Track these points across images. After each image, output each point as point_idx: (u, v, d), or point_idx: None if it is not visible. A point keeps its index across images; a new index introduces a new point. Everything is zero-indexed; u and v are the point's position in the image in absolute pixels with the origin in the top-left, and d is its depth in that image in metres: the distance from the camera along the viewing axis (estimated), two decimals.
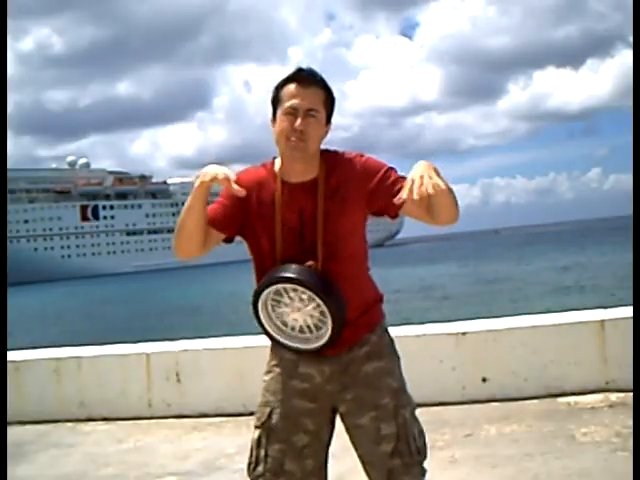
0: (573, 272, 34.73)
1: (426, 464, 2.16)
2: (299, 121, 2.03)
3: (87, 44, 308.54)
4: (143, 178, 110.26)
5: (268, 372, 2.23)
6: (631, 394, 4.26)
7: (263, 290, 2.08)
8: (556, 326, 4.96)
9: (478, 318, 5.66)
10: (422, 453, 2.15)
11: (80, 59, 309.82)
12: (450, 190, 1.96)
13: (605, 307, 5.23)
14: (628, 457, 3.27)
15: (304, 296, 2.05)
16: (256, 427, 2.19)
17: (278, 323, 2.12)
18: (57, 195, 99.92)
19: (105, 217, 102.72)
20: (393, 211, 2.08)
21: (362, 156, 2.14)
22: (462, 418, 4.54)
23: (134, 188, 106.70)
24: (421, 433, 2.17)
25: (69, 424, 5.37)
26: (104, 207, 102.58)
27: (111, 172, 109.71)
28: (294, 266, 2.06)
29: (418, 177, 1.90)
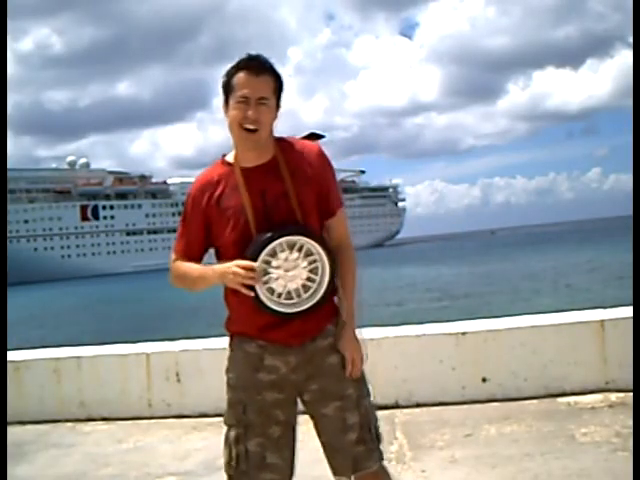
0: (539, 275, 35.30)
1: (381, 447, 2.30)
2: (251, 110, 2.10)
3: (87, 44, 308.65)
4: (143, 178, 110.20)
5: (231, 369, 2.26)
6: (631, 394, 4.26)
7: (259, 252, 2.08)
8: (556, 326, 4.96)
9: (478, 318, 5.67)
10: (380, 438, 2.29)
11: (80, 59, 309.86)
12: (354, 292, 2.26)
13: (605, 307, 5.23)
14: (628, 457, 3.27)
15: (297, 254, 2.10)
16: (231, 425, 2.22)
17: (265, 290, 2.11)
18: (57, 195, 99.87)
19: (105, 217, 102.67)
20: (325, 218, 2.23)
21: (320, 148, 2.26)
22: (462, 418, 4.54)
23: (134, 188, 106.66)
24: (376, 420, 2.30)
25: (69, 424, 5.37)
26: (104, 207, 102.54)
27: (111, 172, 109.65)
28: (282, 223, 2.12)
29: (352, 362, 2.21)
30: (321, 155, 2.24)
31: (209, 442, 4.61)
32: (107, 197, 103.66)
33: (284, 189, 2.14)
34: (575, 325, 4.91)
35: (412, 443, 4.10)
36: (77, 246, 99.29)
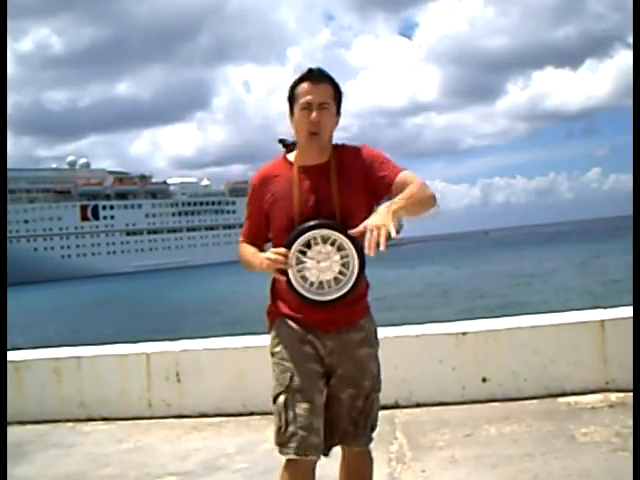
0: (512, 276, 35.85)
1: (372, 445, 2.48)
2: (314, 114, 2.33)
3: (86, 44, 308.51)
4: (143, 178, 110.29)
5: (278, 343, 2.43)
6: (631, 394, 4.27)
7: (296, 239, 2.28)
8: (556, 326, 4.96)
9: (478, 318, 5.67)
10: (373, 430, 2.47)
11: (79, 59, 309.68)
12: (412, 204, 2.27)
13: (605, 307, 5.23)
14: (628, 457, 3.27)
15: (330, 248, 2.28)
16: (279, 393, 2.36)
17: (298, 277, 2.30)
18: (57, 195, 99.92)
19: (105, 217, 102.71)
20: (385, 192, 2.35)
21: (366, 148, 2.45)
22: (462, 418, 4.54)
23: (134, 188, 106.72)
24: (377, 418, 2.49)
25: (69, 424, 5.37)
26: (104, 207, 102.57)
27: (111, 172, 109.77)
28: (321, 218, 2.31)
29: (373, 229, 2.13)
30: (361, 151, 2.42)
31: (209, 442, 4.61)
32: (107, 197, 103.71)
33: (330, 190, 2.36)
34: (575, 325, 4.91)
35: (412, 443, 4.11)
36: (77, 246, 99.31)
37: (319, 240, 2.29)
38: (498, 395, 4.83)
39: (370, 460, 2.53)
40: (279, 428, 2.34)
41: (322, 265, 2.30)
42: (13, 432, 5.04)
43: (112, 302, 41.52)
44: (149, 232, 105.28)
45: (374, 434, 2.50)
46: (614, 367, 4.72)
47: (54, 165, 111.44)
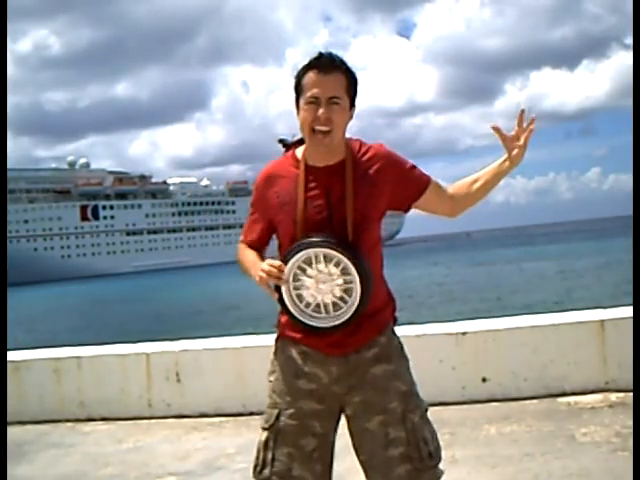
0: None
1: (442, 465, 2.12)
2: (322, 110, 2.00)
3: (85, 45, 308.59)
4: (143, 178, 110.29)
5: (273, 372, 2.19)
6: (631, 394, 4.27)
7: (295, 254, 2.01)
8: (556, 326, 4.96)
9: (478, 318, 5.67)
10: (435, 457, 2.12)
11: (78, 60, 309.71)
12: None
13: (605, 307, 5.23)
14: (628, 457, 3.28)
15: (334, 269, 2.00)
16: (263, 429, 2.14)
17: (294, 296, 2.05)
18: (57, 195, 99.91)
19: (105, 217, 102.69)
20: (413, 201, 2.16)
21: (385, 147, 2.17)
22: (462, 418, 4.54)
23: (134, 188, 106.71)
24: (433, 435, 2.13)
25: (69, 424, 5.37)
26: (104, 207, 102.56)
27: (111, 172, 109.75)
28: (328, 233, 2.02)
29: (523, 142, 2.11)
30: (385, 151, 2.15)
31: (209, 442, 4.61)
32: (107, 197, 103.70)
33: (344, 191, 2.05)
34: (575, 325, 4.91)
35: None
36: (77, 246, 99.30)
37: (321, 259, 2.00)
38: (498, 395, 4.83)
39: None
40: (255, 466, 2.12)
41: (322, 287, 2.01)
42: (13, 432, 5.04)
43: (112, 302, 41.50)
44: (149, 232, 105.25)
45: (441, 460, 2.16)
46: (614, 367, 4.72)
47: (54, 165, 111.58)
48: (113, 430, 5.12)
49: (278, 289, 2.05)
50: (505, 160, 2.14)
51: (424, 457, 2.08)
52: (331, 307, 2.03)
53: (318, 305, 2.04)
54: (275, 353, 2.21)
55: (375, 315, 2.11)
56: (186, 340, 5.69)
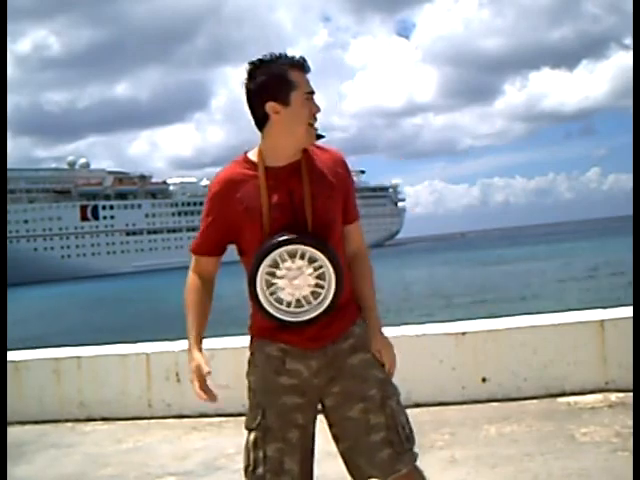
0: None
1: (416, 449, 2.19)
2: (317, 106, 2.11)
3: (84, 46, 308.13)
4: (143, 178, 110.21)
5: (251, 372, 2.24)
6: (631, 394, 4.26)
7: (260, 264, 2.06)
8: (556, 326, 4.96)
9: (478, 318, 5.67)
10: (411, 440, 2.18)
11: (78, 61, 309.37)
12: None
13: (605, 307, 5.23)
14: (628, 457, 3.28)
15: (300, 262, 2.05)
16: (250, 429, 2.18)
17: (272, 301, 2.09)
18: (57, 195, 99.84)
19: (105, 217, 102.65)
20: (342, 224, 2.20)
21: (343, 156, 2.22)
22: (462, 418, 4.54)
23: (134, 188, 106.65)
24: (407, 421, 2.20)
25: (69, 424, 5.37)
26: (104, 207, 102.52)
27: (111, 172, 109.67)
28: (286, 232, 2.06)
29: (389, 359, 2.21)
30: (345, 164, 2.22)
31: (209, 442, 4.61)
32: (107, 197, 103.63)
33: (303, 193, 2.10)
34: (575, 325, 4.91)
35: None
36: (77, 246, 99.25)
37: (286, 257, 2.05)
38: (498, 395, 4.83)
39: (423, 478, 2.20)
40: (247, 467, 2.15)
41: (295, 282, 2.06)
42: (13, 432, 5.04)
43: (112, 302, 41.49)
44: (149, 232, 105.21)
45: (416, 446, 2.19)
46: (614, 367, 4.72)
47: (54, 165, 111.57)
48: (113, 430, 5.12)
49: (255, 299, 2.09)
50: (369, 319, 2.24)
51: (403, 441, 2.15)
52: (311, 297, 2.09)
53: (298, 300, 2.09)
54: (252, 354, 2.25)
55: (346, 307, 2.17)
56: (186, 340, 5.67)
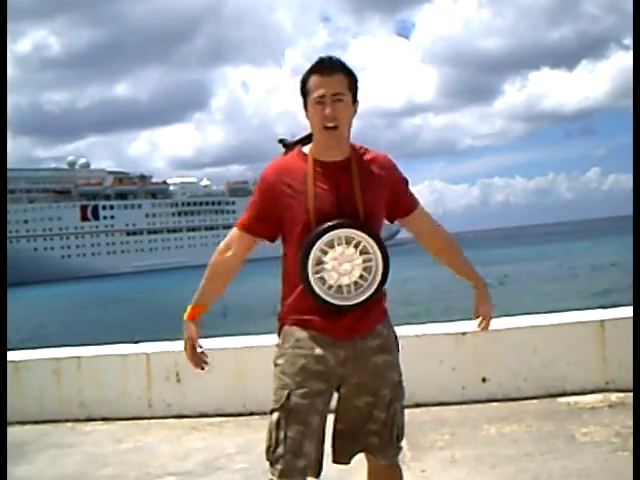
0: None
1: (400, 456, 2.35)
2: (328, 109, 2.18)
3: (84, 46, 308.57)
4: (143, 178, 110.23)
5: (282, 355, 2.29)
6: (631, 394, 4.26)
7: (319, 238, 2.14)
8: (556, 326, 4.96)
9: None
10: (400, 440, 2.35)
11: (77, 61, 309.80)
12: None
13: (605, 307, 5.23)
14: (628, 457, 3.28)
15: (352, 250, 2.15)
16: (274, 410, 2.24)
17: (316, 279, 2.16)
18: (57, 195, 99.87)
19: (105, 217, 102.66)
20: (399, 215, 2.36)
21: (391, 158, 2.35)
22: (462, 418, 4.54)
23: (134, 188, 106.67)
24: (403, 427, 2.37)
25: (69, 424, 5.36)
26: (104, 207, 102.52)
27: (111, 172, 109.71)
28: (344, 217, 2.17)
29: (488, 317, 2.41)
30: (391, 161, 2.34)
31: (209, 442, 4.61)
32: (107, 197, 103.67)
33: (352, 188, 2.21)
34: (575, 325, 4.91)
35: (412, 443, 4.09)
36: (77, 246, 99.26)
37: (342, 241, 2.16)
38: (498, 395, 4.83)
39: (400, 474, 2.39)
40: (269, 447, 2.24)
41: (343, 268, 2.17)
42: (13, 432, 5.04)
43: (112, 302, 41.48)
44: (149, 232, 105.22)
45: (402, 445, 2.38)
46: (614, 367, 4.72)
47: (54, 165, 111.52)
48: (113, 430, 5.12)
49: (306, 274, 2.16)
50: (475, 286, 2.44)
51: (393, 438, 2.32)
52: (353, 287, 2.18)
53: (340, 287, 2.18)
54: (283, 338, 2.31)
55: (380, 301, 2.30)
56: None
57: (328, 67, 2.20)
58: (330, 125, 2.18)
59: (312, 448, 2.21)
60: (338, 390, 2.29)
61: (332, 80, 2.19)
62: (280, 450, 2.20)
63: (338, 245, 2.14)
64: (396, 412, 2.31)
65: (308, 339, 2.24)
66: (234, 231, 2.36)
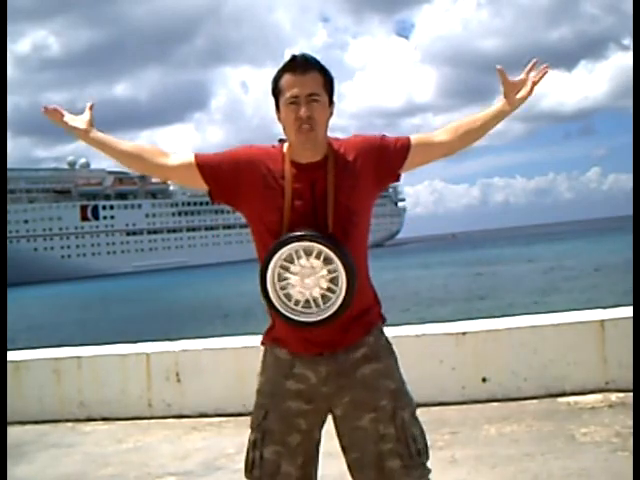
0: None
1: (429, 464, 2.13)
2: (303, 109, 2.03)
3: (84, 46, 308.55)
4: (143, 178, 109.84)
5: (262, 373, 2.21)
6: (631, 394, 4.27)
7: (275, 253, 2.01)
8: (556, 326, 4.96)
9: (478, 318, 5.67)
10: (423, 454, 2.11)
11: (77, 61, 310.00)
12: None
13: (605, 307, 5.23)
14: (628, 457, 3.28)
15: (316, 262, 2.00)
16: (252, 429, 2.17)
17: (281, 296, 2.04)
18: (57, 195, 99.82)
19: (105, 217, 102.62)
20: (399, 169, 2.18)
21: (357, 135, 2.20)
22: (462, 418, 4.54)
23: (134, 188, 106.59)
24: (422, 434, 2.13)
25: (69, 424, 5.37)
26: (104, 207, 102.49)
27: (111, 172, 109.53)
28: (306, 228, 2.02)
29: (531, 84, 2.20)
30: (359, 137, 2.19)
31: (209, 442, 4.61)
32: (107, 197, 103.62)
33: (327, 187, 2.06)
34: (575, 325, 4.91)
35: None
36: (77, 246, 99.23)
37: (302, 254, 2.00)
38: (498, 395, 4.83)
39: None
40: (246, 466, 2.15)
41: (307, 281, 2.01)
42: (13, 432, 5.04)
43: (112, 302, 41.49)
44: (149, 232, 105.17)
45: (429, 458, 2.12)
46: (614, 367, 4.72)
47: (54, 165, 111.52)
48: (113, 430, 5.12)
49: (265, 292, 2.04)
50: (505, 103, 2.22)
51: (413, 454, 2.07)
52: (320, 300, 2.03)
53: (307, 301, 2.03)
54: (264, 356, 2.22)
55: (362, 316, 2.12)
56: (186, 340, 5.69)
57: (302, 65, 2.05)
58: (305, 127, 2.02)
59: (292, 468, 2.10)
60: (333, 415, 2.14)
61: (306, 79, 2.04)
62: (256, 473, 2.13)
63: (298, 258, 2.00)
64: (405, 422, 2.09)
65: (287, 357, 2.13)
66: (185, 152, 2.18)
